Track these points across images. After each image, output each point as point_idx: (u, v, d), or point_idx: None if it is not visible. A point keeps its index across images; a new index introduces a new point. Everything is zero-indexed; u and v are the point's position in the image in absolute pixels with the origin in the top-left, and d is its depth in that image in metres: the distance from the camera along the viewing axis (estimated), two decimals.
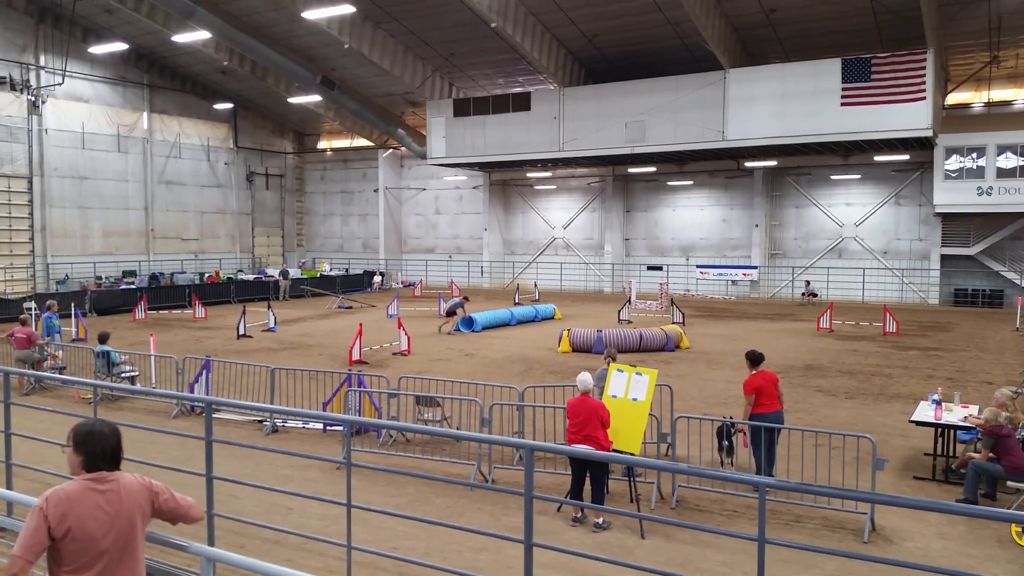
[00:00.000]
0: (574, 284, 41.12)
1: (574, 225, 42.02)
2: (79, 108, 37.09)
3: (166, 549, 6.58)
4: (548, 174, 41.51)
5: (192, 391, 13.24)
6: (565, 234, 42.22)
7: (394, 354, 19.88)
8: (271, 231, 48.81)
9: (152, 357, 15.96)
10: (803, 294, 34.09)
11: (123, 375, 14.99)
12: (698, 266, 38.06)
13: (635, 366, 9.33)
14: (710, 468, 9.89)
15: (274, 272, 40.53)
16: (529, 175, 41.88)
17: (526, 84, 37.69)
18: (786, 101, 29.35)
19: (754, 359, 9.93)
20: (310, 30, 32.43)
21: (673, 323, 24.35)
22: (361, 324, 20.12)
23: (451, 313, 24.74)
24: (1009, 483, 8.85)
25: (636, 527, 8.29)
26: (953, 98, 32.22)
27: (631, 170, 38.90)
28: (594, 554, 6.92)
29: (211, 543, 6.73)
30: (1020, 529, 7.99)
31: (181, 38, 32.00)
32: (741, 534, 7.44)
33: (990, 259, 31.86)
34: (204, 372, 13.36)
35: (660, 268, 39.07)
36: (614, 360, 10.55)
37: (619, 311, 27.42)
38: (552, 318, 27.75)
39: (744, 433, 9.87)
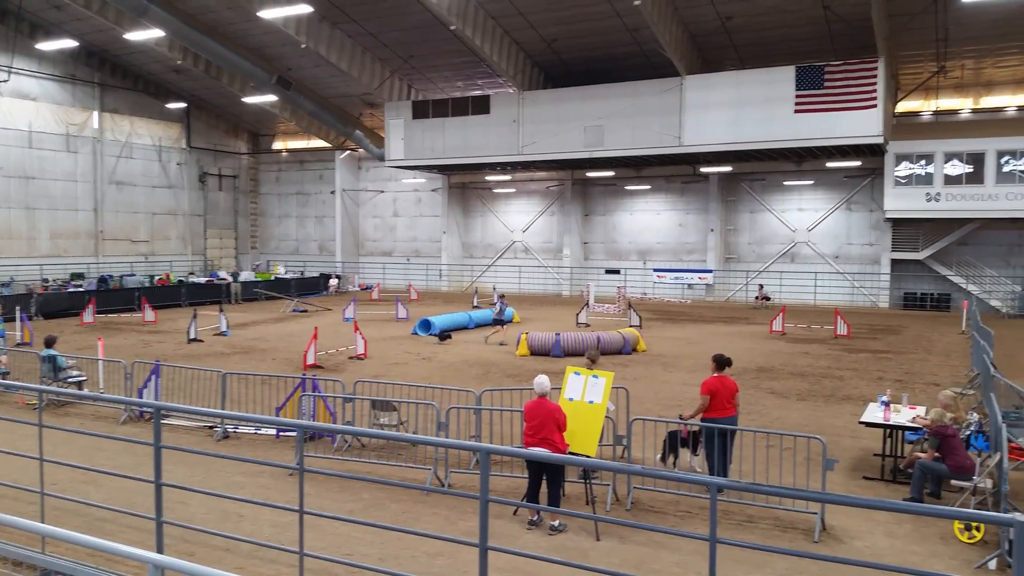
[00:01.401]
0: (533, 287, 41.20)
1: (533, 228, 42.12)
2: (26, 106, 36.12)
3: (112, 558, 6.44)
4: (507, 177, 41.56)
5: (141, 396, 12.96)
6: (524, 237, 42.29)
7: (350, 358, 19.68)
8: (224, 233, 48.03)
9: (100, 362, 15.57)
10: (757, 298, 34.62)
11: (70, 380, 14.59)
12: (655, 270, 38.42)
13: (591, 368, 9.37)
14: (664, 469, 9.97)
15: (226, 274, 39.89)
16: (488, 178, 41.89)
17: (485, 87, 37.72)
18: (741, 108, 29.83)
19: (720, 362, 10.02)
20: (266, 29, 32.05)
21: (630, 326, 24.52)
22: (316, 328, 19.90)
23: (499, 321, 23.58)
24: (953, 482, 9.07)
25: (592, 529, 8.31)
26: (903, 106, 33.03)
27: (589, 174, 39.15)
28: (549, 556, 6.93)
29: (160, 551, 6.58)
30: (963, 526, 8.20)
31: (134, 36, 31.34)
32: (693, 534, 7.52)
33: (938, 264, 32.71)
34: (153, 377, 13.09)
35: (618, 272, 39.34)
36: (594, 362, 10.57)
37: (577, 314, 27.55)
38: (511, 321, 27.74)
39: (682, 420, 10.02)
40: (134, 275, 38.72)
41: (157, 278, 38.88)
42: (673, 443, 10.21)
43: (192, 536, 7.71)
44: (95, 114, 39.28)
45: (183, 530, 7.43)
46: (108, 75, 39.68)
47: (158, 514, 6.47)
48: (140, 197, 42.11)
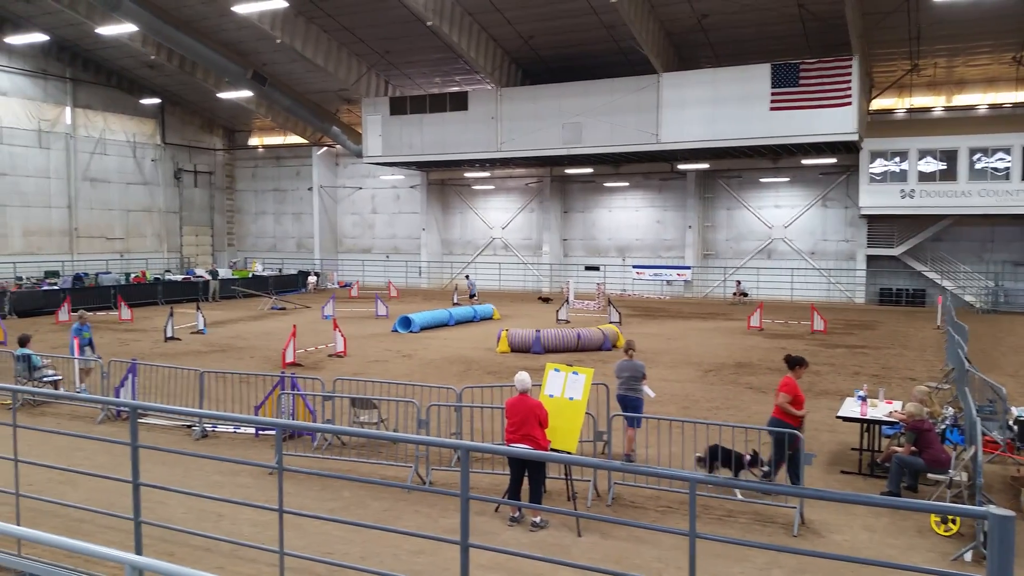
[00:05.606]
0: (513, 284, 41.20)
1: (512, 225, 42.11)
2: None
3: (90, 559, 6.37)
4: (486, 174, 41.52)
5: (118, 395, 12.83)
6: (503, 234, 42.28)
7: (330, 356, 19.60)
8: (200, 230, 47.60)
9: (75, 361, 15.38)
10: (734, 294, 34.87)
11: (45, 379, 14.41)
12: (634, 266, 38.58)
13: (571, 365, 9.40)
14: (644, 465, 10.02)
15: (203, 272, 39.55)
16: (467, 175, 41.83)
17: (463, 83, 37.62)
18: (717, 105, 29.96)
19: (790, 362, 10.23)
20: (241, 24, 31.76)
21: (610, 322, 24.61)
22: (295, 325, 19.78)
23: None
24: (930, 475, 9.17)
25: (573, 525, 8.34)
26: (877, 104, 33.36)
27: (568, 171, 39.19)
28: (530, 553, 6.95)
29: (139, 551, 6.51)
30: (939, 519, 8.30)
31: (106, 31, 30.93)
32: (673, 529, 7.57)
33: (913, 259, 33.09)
34: (130, 376, 12.97)
35: (597, 268, 39.47)
36: (634, 350, 11.38)
37: (557, 311, 27.58)
38: (491, 318, 27.75)
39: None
40: (109, 273, 38.28)
41: (133, 276, 38.48)
42: (714, 457, 9.48)
43: (171, 536, 7.64)
44: (67, 110, 38.74)
45: (162, 530, 7.36)
46: (80, 70, 39.14)
47: (136, 514, 6.40)
48: (115, 194, 41.63)
